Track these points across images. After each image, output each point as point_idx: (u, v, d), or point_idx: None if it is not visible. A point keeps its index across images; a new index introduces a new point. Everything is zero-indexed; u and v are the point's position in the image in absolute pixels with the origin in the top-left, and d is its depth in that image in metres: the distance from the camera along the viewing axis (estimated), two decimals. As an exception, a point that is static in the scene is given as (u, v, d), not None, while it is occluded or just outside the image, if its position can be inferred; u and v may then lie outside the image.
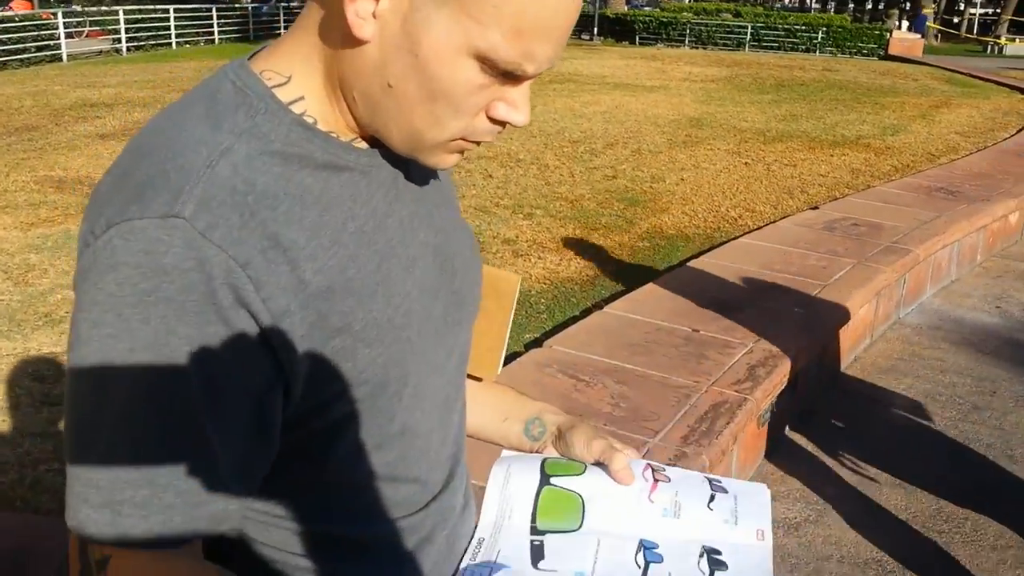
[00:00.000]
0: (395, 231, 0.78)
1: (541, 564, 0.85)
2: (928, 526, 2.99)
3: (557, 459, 1.00)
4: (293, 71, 0.74)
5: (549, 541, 0.88)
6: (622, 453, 0.95)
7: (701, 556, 0.86)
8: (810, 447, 3.47)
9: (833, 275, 4.32)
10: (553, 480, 0.94)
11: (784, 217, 5.51)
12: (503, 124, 0.74)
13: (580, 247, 4.88)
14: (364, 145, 0.78)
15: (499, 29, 0.66)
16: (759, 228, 5.22)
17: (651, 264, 4.70)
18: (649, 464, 0.97)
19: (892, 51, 22.76)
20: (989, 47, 27.50)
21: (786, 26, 24.69)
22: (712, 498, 0.93)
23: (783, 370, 3.27)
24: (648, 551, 0.87)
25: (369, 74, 0.71)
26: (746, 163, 7.02)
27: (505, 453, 1.01)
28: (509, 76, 0.70)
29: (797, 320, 3.72)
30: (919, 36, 24.92)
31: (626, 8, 33.09)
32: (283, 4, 23.06)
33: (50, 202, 5.54)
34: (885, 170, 7.10)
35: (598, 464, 0.96)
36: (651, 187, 6.20)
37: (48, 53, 15.93)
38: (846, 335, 4.15)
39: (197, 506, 0.68)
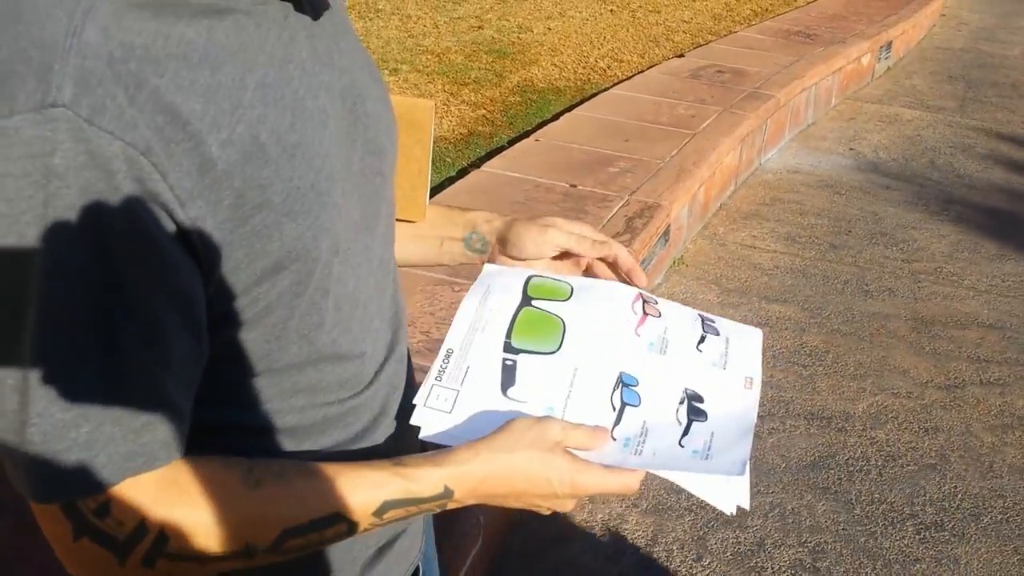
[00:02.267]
0: (299, 80, 0.68)
1: (511, 391, 0.80)
2: (794, 361, 3.19)
3: (543, 279, 0.91)
4: None
5: (523, 362, 0.81)
6: (608, 244, 0.93)
7: (681, 403, 0.82)
8: (683, 293, 3.60)
9: (701, 123, 4.39)
10: (535, 302, 0.87)
11: (652, 66, 5.51)
12: None
13: (451, 104, 4.77)
14: None
15: None
16: (629, 78, 5.21)
17: (524, 119, 4.65)
18: (640, 294, 0.91)
19: None
20: None
21: None
22: (703, 339, 0.89)
23: (658, 220, 3.35)
24: (627, 389, 0.82)
25: None
26: (611, 10, 6.93)
27: (488, 267, 0.93)
28: None
29: (670, 170, 3.79)
30: None
31: None
32: None
33: None
34: (745, 14, 7.16)
35: (586, 276, 0.92)
36: (519, 38, 6.06)
37: None
38: (713, 183, 4.26)
39: (162, 424, 0.63)
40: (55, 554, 0.64)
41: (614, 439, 0.79)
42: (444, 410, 0.79)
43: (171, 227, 0.60)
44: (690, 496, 2.50)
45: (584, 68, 5.50)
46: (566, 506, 0.76)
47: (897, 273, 3.86)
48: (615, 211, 3.34)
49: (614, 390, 0.82)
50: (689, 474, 0.77)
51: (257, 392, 0.73)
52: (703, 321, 0.91)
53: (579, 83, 5.21)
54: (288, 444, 0.77)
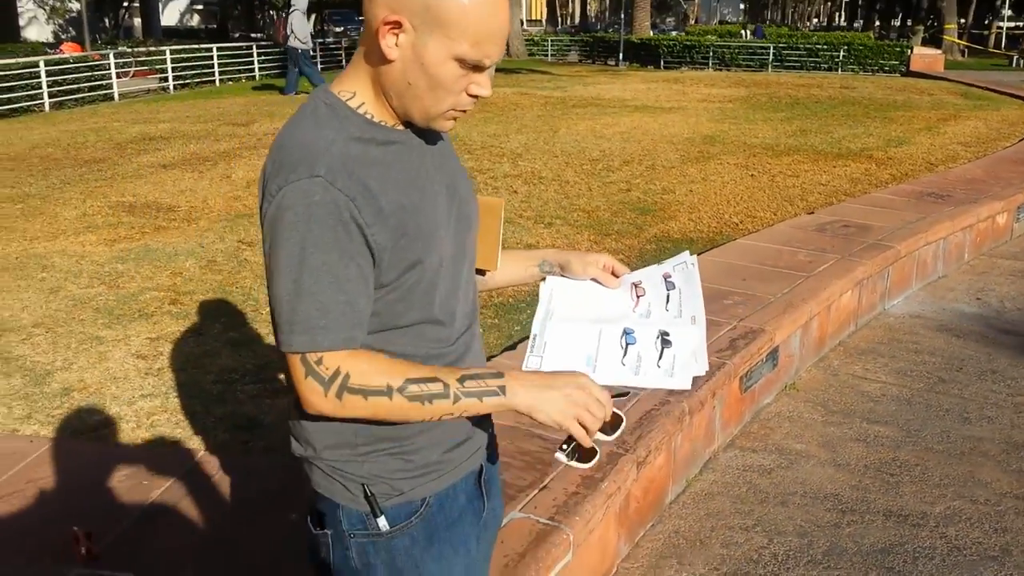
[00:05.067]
0: (425, 177, 1.36)
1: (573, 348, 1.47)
2: (883, 470, 3.53)
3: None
4: (356, 88, 1.30)
5: (575, 328, 1.49)
6: (613, 278, 1.58)
7: (658, 338, 1.44)
8: (790, 412, 4.02)
9: (817, 268, 4.88)
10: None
11: (782, 221, 6.06)
12: (476, 96, 1.28)
13: (592, 250, 5.48)
14: (401, 127, 1.33)
15: (466, 43, 1.21)
16: (757, 231, 5.78)
17: (655, 263, 5.28)
18: (633, 284, 1.56)
19: (914, 67, 23.14)
20: (1015, 60, 27.75)
21: (808, 46, 25.16)
22: (668, 298, 1.51)
23: (761, 342, 3.84)
24: (628, 335, 1.46)
25: (397, 79, 1.26)
26: (752, 175, 7.57)
27: (550, 279, 1.62)
28: (477, 68, 1.25)
29: (779, 304, 4.28)
30: (939, 51, 25.29)
31: (651, 33, 33.82)
32: (319, 40, 24.00)
33: (126, 223, 6.25)
34: (883, 179, 7.60)
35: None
36: (662, 198, 6.78)
37: (100, 93, 16.88)
38: (830, 321, 4.69)
39: (353, 325, 1.28)
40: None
41: (623, 365, 1.44)
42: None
43: (362, 238, 1.26)
44: None
45: (718, 223, 6.12)
46: (577, 396, 1.31)
47: (1000, 404, 4.11)
48: (722, 333, 3.87)
49: (621, 337, 1.47)
50: (659, 381, 1.42)
51: (392, 333, 1.37)
52: (665, 281, 1.54)
53: (711, 235, 5.83)
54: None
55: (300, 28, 16.05)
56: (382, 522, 1.38)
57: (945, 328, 5.08)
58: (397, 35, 1.24)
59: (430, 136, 1.40)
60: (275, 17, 54.61)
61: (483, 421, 1.53)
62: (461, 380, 1.29)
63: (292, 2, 16.30)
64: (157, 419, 3.20)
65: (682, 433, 3.24)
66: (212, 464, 2.85)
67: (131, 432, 3.11)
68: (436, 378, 1.28)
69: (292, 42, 16.05)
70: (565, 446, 1.38)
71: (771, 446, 3.73)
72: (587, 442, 1.33)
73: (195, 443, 3.03)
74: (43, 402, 3.35)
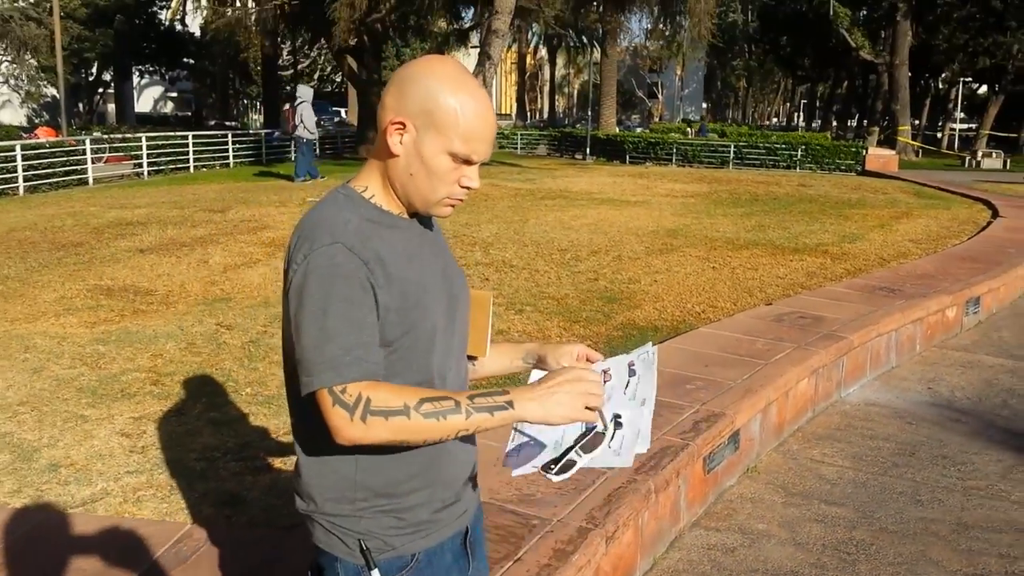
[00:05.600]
0: (423, 258, 1.58)
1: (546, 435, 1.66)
2: (840, 549, 3.69)
3: None
4: (368, 183, 1.56)
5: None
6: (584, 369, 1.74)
7: (612, 420, 1.62)
8: (752, 493, 4.19)
9: (775, 356, 5.11)
10: None
11: (741, 311, 6.33)
12: (468, 188, 1.53)
13: (562, 336, 5.69)
14: (406, 217, 1.58)
15: (457, 140, 1.48)
16: (718, 320, 6.03)
17: (623, 350, 5.49)
18: (603, 371, 1.73)
19: (869, 167, 24.06)
20: (966, 161, 28.93)
21: (767, 145, 26.12)
22: (628, 384, 1.68)
23: (723, 425, 4.03)
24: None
25: (401, 171, 1.52)
26: (713, 267, 7.89)
27: (533, 373, 1.81)
28: (467, 162, 1.50)
29: (738, 389, 4.49)
30: (893, 152, 26.36)
31: (617, 129, 34.89)
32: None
33: (105, 306, 6.37)
34: (838, 273, 7.95)
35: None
36: (628, 287, 7.05)
37: (75, 177, 17.07)
38: (788, 408, 4.90)
39: (376, 363, 1.46)
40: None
41: (580, 448, 1.61)
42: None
43: (373, 296, 1.47)
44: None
45: (681, 312, 6.38)
46: (578, 387, 1.49)
47: (951, 488, 4.31)
48: (685, 416, 4.06)
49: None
50: (607, 461, 1.57)
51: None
52: (629, 368, 1.72)
53: (675, 323, 6.07)
54: None
55: (309, 119, 16.84)
56: (375, 575, 1.54)
57: (898, 415, 5.31)
58: (402, 134, 1.50)
59: (429, 227, 1.63)
60: (248, 106, 55.52)
61: (470, 488, 1.69)
62: (471, 398, 1.46)
63: (299, 95, 17.11)
64: (143, 494, 3.30)
65: (648, 511, 3.40)
66: (198, 537, 2.95)
67: (118, 506, 3.20)
68: (448, 397, 1.46)
69: (300, 131, 16.77)
70: (552, 466, 1.59)
71: (734, 526, 3.89)
72: (595, 419, 1.53)
73: (181, 517, 3.14)
74: (32, 477, 3.44)
